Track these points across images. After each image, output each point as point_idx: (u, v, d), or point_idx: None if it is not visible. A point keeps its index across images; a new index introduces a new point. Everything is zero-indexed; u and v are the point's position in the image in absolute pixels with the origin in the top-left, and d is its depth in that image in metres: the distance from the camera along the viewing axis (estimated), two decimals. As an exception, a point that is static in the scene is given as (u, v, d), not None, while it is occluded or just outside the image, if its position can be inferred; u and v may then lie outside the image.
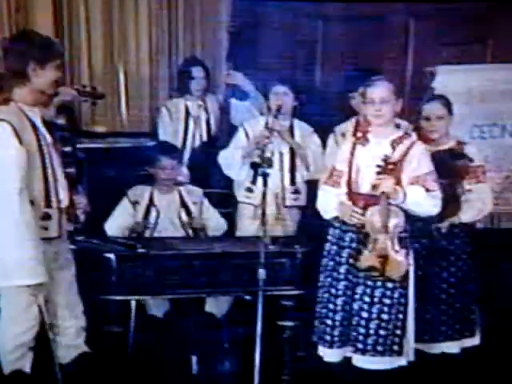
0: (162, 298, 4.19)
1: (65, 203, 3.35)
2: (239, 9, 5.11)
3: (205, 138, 5.00)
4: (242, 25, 4.96)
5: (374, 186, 3.50)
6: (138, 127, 5.24)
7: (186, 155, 4.90)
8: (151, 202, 4.46)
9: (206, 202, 4.56)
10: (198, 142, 4.98)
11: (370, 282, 3.55)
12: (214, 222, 4.56)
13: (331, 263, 3.66)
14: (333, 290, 3.63)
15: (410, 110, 4.15)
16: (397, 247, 3.53)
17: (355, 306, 3.58)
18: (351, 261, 3.59)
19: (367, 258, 3.53)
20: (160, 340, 4.16)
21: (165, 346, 4.13)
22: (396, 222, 3.50)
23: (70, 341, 3.51)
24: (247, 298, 3.89)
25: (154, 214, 4.44)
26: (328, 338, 3.64)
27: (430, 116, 3.93)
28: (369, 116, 3.64)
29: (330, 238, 3.70)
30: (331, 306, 3.63)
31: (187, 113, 4.99)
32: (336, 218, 3.66)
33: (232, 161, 4.60)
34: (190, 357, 4.02)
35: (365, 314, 3.55)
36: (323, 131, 4.67)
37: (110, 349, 3.77)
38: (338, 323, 3.62)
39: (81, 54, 5.15)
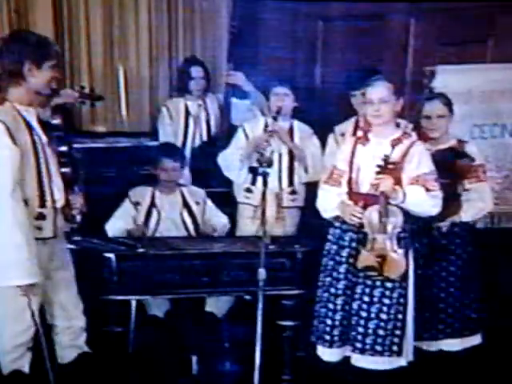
0: (163, 298, 4.19)
1: (60, 203, 3.34)
2: (239, 9, 5.10)
3: (205, 137, 5.00)
4: (242, 25, 4.97)
5: (374, 186, 3.50)
6: (138, 127, 5.23)
7: (186, 155, 4.90)
8: (153, 203, 4.46)
9: (208, 201, 4.55)
10: (197, 142, 4.99)
11: (369, 282, 3.55)
12: (217, 221, 4.55)
13: (331, 263, 3.66)
14: (332, 290, 3.63)
15: (410, 110, 4.15)
16: (395, 247, 3.53)
17: (354, 305, 3.58)
18: (351, 260, 3.59)
19: (365, 258, 3.53)
20: (160, 340, 4.16)
21: (165, 345, 4.13)
22: (395, 221, 3.51)
23: (70, 341, 3.50)
24: (247, 297, 3.90)
25: (155, 214, 4.44)
26: (327, 337, 3.64)
27: (430, 115, 3.93)
28: (368, 116, 3.64)
29: (329, 237, 3.70)
30: (331, 306, 3.63)
31: (187, 112, 4.99)
32: (336, 218, 3.66)
33: (231, 163, 4.59)
34: (190, 357, 4.02)
35: (364, 314, 3.56)
36: (323, 131, 4.66)
37: (111, 349, 3.78)
38: (337, 323, 3.62)
39: (81, 54, 5.15)
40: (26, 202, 3.15)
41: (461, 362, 3.92)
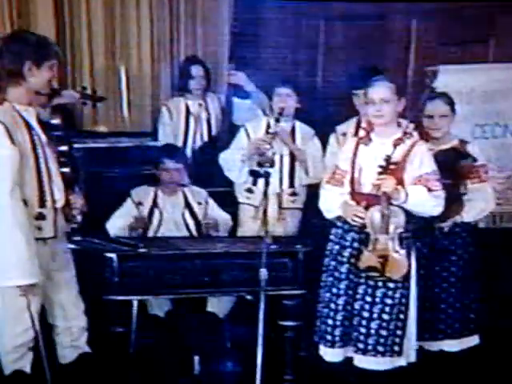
0: (164, 298, 4.19)
1: (60, 203, 3.34)
2: (241, 9, 5.10)
3: (205, 137, 4.99)
4: (244, 25, 4.96)
5: (376, 186, 3.50)
6: (139, 127, 5.23)
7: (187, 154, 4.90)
8: (155, 204, 4.46)
9: (210, 201, 4.55)
10: (198, 142, 4.98)
11: (371, 282, 3.55)
12: (220, 220, 4.54)
13: (333, 263, 3.66)
14: (334, 290, 3.63)
15: (412, 110, 4.14)
16: (397, 247, 3.52)
17: (356, 305, 3.58)
18: (353, 260, 3.59)
19: (367, 258, 3.52)
20: (162, 340, 4.16)
21: (167, 345, 4.13)
22: (397, 222, 3.50)
23: (71, 341, 3.51)
24: (249, 297, 3.90)
25: (157, 215, 4.43)
26: (329, 337, 3.64)
27: (433, 114, 3.93)
28: (370, 116, 3.63)
29: (332, 237, 3.70)
30: (332, 306, 3.63)
31: (188, 112, 4.98)
32: (338, 218, 3.66)
33: (232, 163, 4.58)
34: (191, 357, 4.01)
35: (366, 314, 3.55)
36: (324, 131, 4.66)
37: (112, 349, 3.77)
38: (339, 323, 3.61)
39: (82, 54, 5.14)
40: (25, 202, 3.15)
41: (461, 362, 3.92)
